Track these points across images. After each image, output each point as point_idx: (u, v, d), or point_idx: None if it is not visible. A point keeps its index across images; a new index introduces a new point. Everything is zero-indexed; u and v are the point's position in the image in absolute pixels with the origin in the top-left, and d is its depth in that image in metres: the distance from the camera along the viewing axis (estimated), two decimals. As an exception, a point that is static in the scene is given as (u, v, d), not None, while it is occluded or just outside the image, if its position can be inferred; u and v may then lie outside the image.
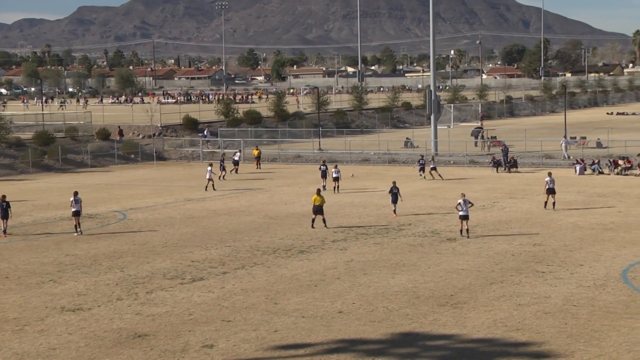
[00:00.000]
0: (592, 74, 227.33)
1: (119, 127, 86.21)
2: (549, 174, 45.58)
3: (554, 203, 44.90)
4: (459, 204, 38.03)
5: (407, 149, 79.68)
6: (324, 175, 55.79)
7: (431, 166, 60.76)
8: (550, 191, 44.86)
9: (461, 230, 38.24)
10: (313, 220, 41.37)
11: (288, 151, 79.43)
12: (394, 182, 45.53)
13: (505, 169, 63.73)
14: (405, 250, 35.52)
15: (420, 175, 60.23)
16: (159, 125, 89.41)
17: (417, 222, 42.31)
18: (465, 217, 37.92)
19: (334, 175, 54.41)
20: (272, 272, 32.06)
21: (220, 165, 62.49)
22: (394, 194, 44.46)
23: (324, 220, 41.21)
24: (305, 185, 56.99)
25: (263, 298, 28.24)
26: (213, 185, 56.32)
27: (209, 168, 57.16)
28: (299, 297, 28.27)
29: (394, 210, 44.43)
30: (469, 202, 38.26)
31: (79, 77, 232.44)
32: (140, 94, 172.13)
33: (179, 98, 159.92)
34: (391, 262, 33.24)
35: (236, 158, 68.02)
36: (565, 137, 71.64)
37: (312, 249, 36.27)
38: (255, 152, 70.97)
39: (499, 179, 59.69)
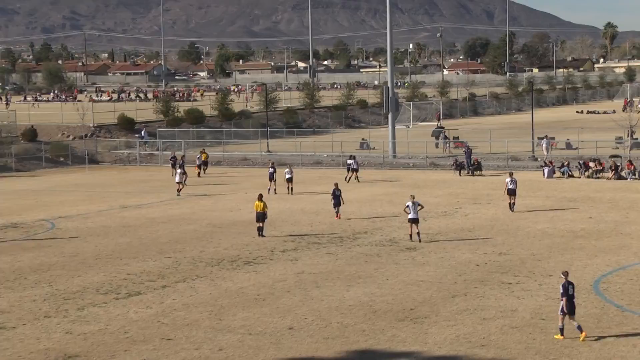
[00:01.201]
0: (561, 70, 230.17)
1: (32, 126, 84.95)
2: (510, 174, 47.34)
3: (513, 204, 46.58)
4: (408, 206, 38.89)
5: (363, 150, 79.86)
6: (271, 178, 56.01)
7: (353, 167, 61.46)
8: (511, 192, 46.37)
9: (410, 235, 39.01)
10: (259, 229, 41.39)
11: (234, 153, 79.21)
12: (336, 184, 46.61)
13: (468, 172, 64.21)
14: (360, 260, 35.59)
15: (353, 177, 60.77)
16: (91, 125, 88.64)
17: (373, 229, 42.43)
18: (415, 220, 38.78)
19: (287, 176, 55.14)
20: (216, 285, 31.92)
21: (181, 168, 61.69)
22: (337, 196, 45.69)
23: (259, 229, 41.28)
24: (252, 191, 56.80)
25: (206, 314, 28.10)
26: (179, 190, 56.23)
27: (179, 170, 57.04)
28: (245, 312, 28.18)
29: (337, 213, 45.64)
30: (419, 204, 39.01)
31: (1, 72, 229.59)
32: (56, 91, 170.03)
33: (113, 95, 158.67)
34: (346, 273, 33.28)
35: (197, 162, 67.75)
36: (546, 137, 72.00)
37: (260, 259, 36.20)
38: (204, 156, 70.34)
39: (462, 183, 60.10)
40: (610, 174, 60.04)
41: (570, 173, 61.54)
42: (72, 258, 37.50)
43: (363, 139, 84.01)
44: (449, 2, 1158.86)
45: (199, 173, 66.70)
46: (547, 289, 30.14)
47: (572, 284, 24.92)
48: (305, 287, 31.33)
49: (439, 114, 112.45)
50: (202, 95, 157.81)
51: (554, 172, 61.78)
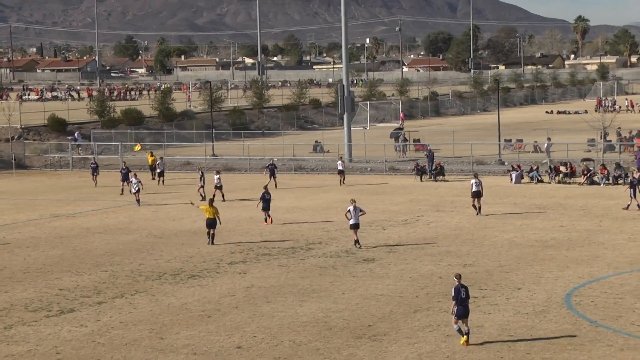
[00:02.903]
0: (529, 67, 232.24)
1: None
2: (475, 176, 48.76)
3: (479, 207, 48.07)
4: (349, 211, 40.06)
5: (317, 154, 79.95)
6: (202, 185, 56.76)
7: (340, 169, 62.84)
8: (476, 194, 47.82)
9: (355, 242, 40.27)
10: (209, 236, 42.03)
11: (175, 157, 78.90)
12: (265, 187, 48.04)
13: (430, 177, 64.52)
14: (315, 273, 35.64)
15: (273, 181, 60.71)
16: (18, 126, 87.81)
17: (328, 239, 42.50)
18: (356, 226, 40.10)
19: (218, 184, 55.68)
20: (158, 301, 31.80)
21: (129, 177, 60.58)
22: (266, 200, 46.78)
23: (210, 235, 42.02)
24: (196, 198, 56.66)
25: (147, 332, 27.99)
26: (138, 199, 54.98)
27: (133, 180, 55.13)
28: (189, 330, 28.11)
29: (266, 219, 46.98)
30: (360, 210, 40.20)
31: None
32: None
33: (45, 94, 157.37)
34: (298, 287, 33.31)
35: (159, 169, 65.97)
36: (549, 139, 72.14)
37: (205, 272, 36.12)
38: (151, 159, 69.54)
39: (424, 189, 60.40)
40: (582, 179, 60.64)
41: (539, 178, 62.08)
42: (-2, 272, 37.16)
43: (316, 142, 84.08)
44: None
45: (159, 181, 65.16)
46: (516, 303, 30.39)
47: (465, 287, 26.35)
48: (255, 302, 31.31)
49: (403, 115, 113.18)
50: (140, 93, 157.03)
51: (522, 177, 62.28)
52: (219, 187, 55.76)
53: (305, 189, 60.53)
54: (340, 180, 62.93)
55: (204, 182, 56.77)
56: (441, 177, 64.71)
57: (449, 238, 42.34)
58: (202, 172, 58.16)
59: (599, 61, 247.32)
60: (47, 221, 50.32)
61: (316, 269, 36.30)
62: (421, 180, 64.32)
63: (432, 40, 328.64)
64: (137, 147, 71.42)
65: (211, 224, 41.83)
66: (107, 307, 31.14)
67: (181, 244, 42.42)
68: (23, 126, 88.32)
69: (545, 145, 71.02)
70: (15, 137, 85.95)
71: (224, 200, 55.05)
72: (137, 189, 55.02)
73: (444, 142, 79.16)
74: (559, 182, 61.47)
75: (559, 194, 56.57)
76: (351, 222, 40.05)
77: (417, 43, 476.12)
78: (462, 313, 25.93)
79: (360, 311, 29.82)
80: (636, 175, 49.95)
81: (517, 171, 62.64)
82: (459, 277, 26.45)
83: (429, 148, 70.27)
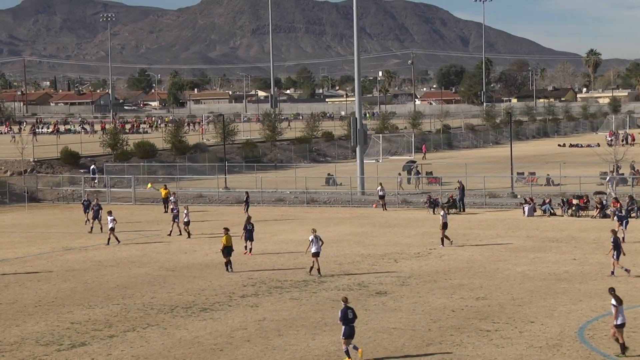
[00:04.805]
0: (541, 100, 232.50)
1: None
2: (443, 208, 51.21)
3: (442, 238, 49.18)
4: (311, 240, 41.46)
5: (329, 187, 79.93)
6: (175, 218, 56.30)
7: (380, 194, 66.28)
8: (445, 226, 49.29)
9: (311, 269, 41.68)
10: (226, 264, 43.01)
11: (188, 190, 79.00)
12: (249, 218, 48.42)
13: (459, 210, 64.44)
14: (327, 306, 35.55)
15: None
16: (31, 159, 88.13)
17: (340, 272, 42.42)
18: (317, 255, 41.39)
19: (185, 219, 54.97)
20: (169, 334, 31.74)
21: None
22: (249, 231, 47.44)
23: (226, 264, 43.14)
24: (208, 230, 56.70)
25: (158, 366, 27.92)
26: (116, 236, 53.30)
27: (110, 217, 53.42)
28: (201, 364, 28.03)
29: (247, 248, 47.63)
30: (320, 239, 41.64)
31: None
32: None
33: (60, 127, 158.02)
34: (311, 320, 33.23)
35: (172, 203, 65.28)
36: (612, 171, 71.71)
37: (217, 305, 36.06)
38: (164, 192, 69.62)
39: (436, 222, 60.06)
40: (595, 212, 60.51)
41: (552, 211, 61.94)
42: (9, 306, 37.12)
43: (329, 174, 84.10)
44: (421, 27, 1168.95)
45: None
46: (529, 336, 30.25)
47: (351, 308, 27.85)
48: (267, 335, 31.23)
49: (425, 147, 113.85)
50: (154, 127, 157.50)
51: (535, 210, 62.16)
52: (186, 223, 54.80)
53: (317, 222, 60.45)
54: (382, 205, 65.92)
55: (175, 217, 56.21)
56: (454, 210, 64.57)
57: (462, 271, 42.23)
58: (177, 208, 57.39)
59: (611, 94, 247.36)
60: (59, 254, 50.37)
61: (328, 302, 36.21)
62: (434, 212, 64.22)
63: (445, 73, 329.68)
64: (149, 186, 71.98)
65: (229, 252, 42.89)
66: (119, 340, 31.09)
67: (193, 277, 42.40)
68: (36, 159, 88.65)
69: (607, 178, 70.45)
70: (28, 170, 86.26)
71: (189, 236, 54.46)
72: (111, 226, 53.08)
73: (457, 175, 78.95)
74: (571, 215, 61.36)
75: (571, 227, 56.43)
76: (312, 250, 41.31)
77: (430, 76, 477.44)
78: (349, 334, 27.40)
79: (372, 344, 29.70)
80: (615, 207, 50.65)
81: (530, 204, 62.53)
82: (345, 300, 28.15)
83: (460, 181, 69.82)
